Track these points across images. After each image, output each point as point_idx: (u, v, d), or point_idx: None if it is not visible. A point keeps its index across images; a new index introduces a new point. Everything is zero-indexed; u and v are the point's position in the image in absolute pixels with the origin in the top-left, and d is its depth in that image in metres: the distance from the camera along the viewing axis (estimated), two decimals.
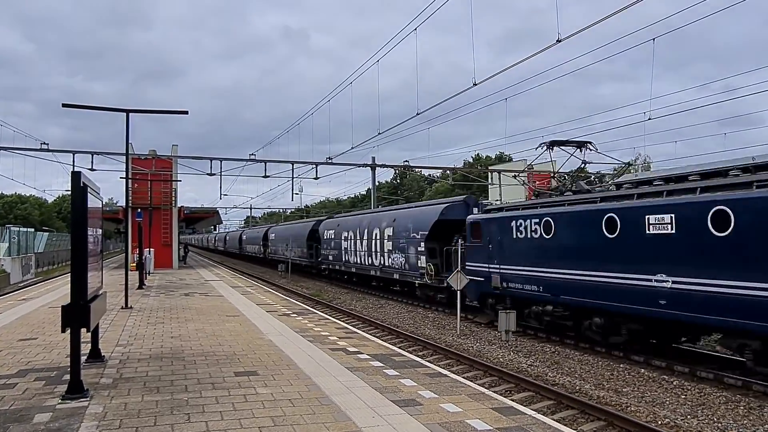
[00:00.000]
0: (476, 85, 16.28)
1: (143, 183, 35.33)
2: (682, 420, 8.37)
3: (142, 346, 10.63)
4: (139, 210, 31.01)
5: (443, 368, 9.86)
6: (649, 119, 23.85)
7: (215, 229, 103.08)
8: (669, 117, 65.26)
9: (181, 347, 10.48)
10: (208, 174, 34.72)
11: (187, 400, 6.96)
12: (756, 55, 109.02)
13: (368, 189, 49.16)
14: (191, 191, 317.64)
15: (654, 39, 18.37)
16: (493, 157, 75.60)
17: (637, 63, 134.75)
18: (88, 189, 7.24)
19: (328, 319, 14.98)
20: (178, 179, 37.78)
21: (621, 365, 11.80)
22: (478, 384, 9.07)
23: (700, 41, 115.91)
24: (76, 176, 7.00)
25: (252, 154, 35.60)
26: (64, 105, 14.50)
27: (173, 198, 38.25)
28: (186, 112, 16.45)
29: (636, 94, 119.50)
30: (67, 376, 7.21)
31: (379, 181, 67.31)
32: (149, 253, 31.19)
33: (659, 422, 8.30)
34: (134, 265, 28.03)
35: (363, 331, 14.31)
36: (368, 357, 9.75)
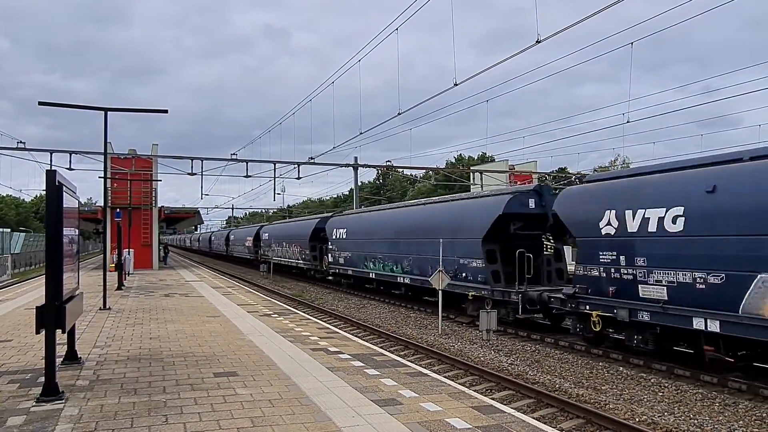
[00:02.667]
0: (457, 85, 16.34)
1: (123, 183, 34.90)
2: (659, 417, 8.48)
3: (120, 347, 10.50)
4: (118, 210, 30.64)
5: (424, 367, 9.88)
6: (627, 121, 24.11)
7: (196, 230, 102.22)
8: (648, 118, 66.16)
9: (159, 348, 10.36)
10: (189, 174, 34.35)
11: (165, 401, 6.89)
12: (734, 57, 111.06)
13: (351, 189, 49.11)
14: (172, 191, 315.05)
15: (632, 43, 18.57)
16: (476, 157, 76.02)
17: (618, 64, 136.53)
18: (64, 188, 7.13)
19: (309, 319, 14.93)
20: (159, 179, 37.40)
21: (600, 363, 11.92)
22: (458, 383, 9.11)
23: (680, 43, 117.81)
24: (50, 175, 6.89)
25: (233, 154, 35.34)
26: (40, 103, 14.25)
27: (153, 198, 37.83)
28: (166, 111, 16.27)
29: (617, 95, 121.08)
30: (42, 379, 7.09)
31: (361, 182, 67.26)
32: (128, 254, 30.82)
33: (637, 419, 8.40)
34: (113, 265, 27.69)
35: (344, 331, 14.28)
36: (349, 357, 9.74)
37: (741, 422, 8.26)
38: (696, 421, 8.29)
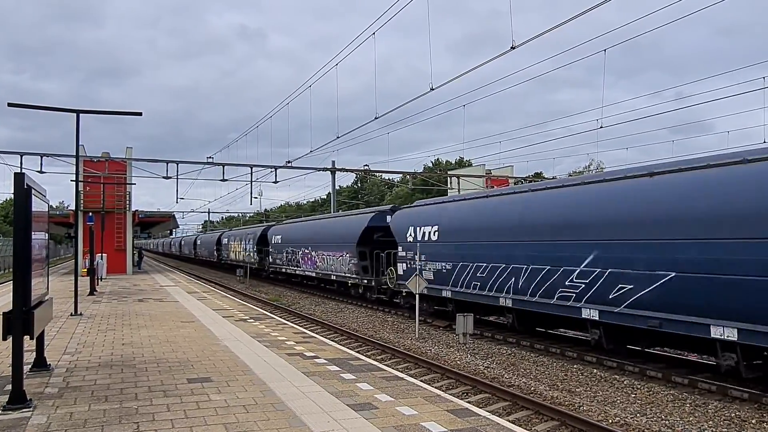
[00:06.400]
0: (433, 89, 16.40)
1: (96, 186, 34.33)
2: (631, 418, 8.59)
3: (91, 353, 10.30)
4: (90, 214, 30.11)
5: (401, 371, 9.88)
6: (601, 127, 24.47)
7: (171, 234, 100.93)
8: (622, 124, 67.31)
9: (132, 354, 10.20)
10: (164, 177, 33.88)
11: (136, 408, 6.77)
12: (706, 65, 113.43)
13: (328, 193, 49.03)
14: (146, 195, 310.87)
15: (605, 50, 18.86)
16: (453, 161, 76.44)
17: (593, 70, 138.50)
18: (33, 191, 6.99)
19: (285, 323, 14.83)
20: (133, 182, 36.84)
21: (575, 366, 12.04)
22: (434, 387, 9.12)
23: (653, 50, 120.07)
24: (19, 178, 6.75)
25: (210, 157, 34.95)
26: (10, 104, 13.98)
27: (127, 202, 37.26)
28: (140, 114, 16.07)
29: (592, 101, 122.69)
30: (9, 386, 6.91)
31: (339, 186, 67.19)
32: (101, 259, 30.29)
33: (610, 421, 8.50)
34: (85, 270, 27.21)
35: (321, 335, 14.23)
36: (325, 361, 9.69)
37: (711, 422, 8.41)
38: (667, 422, 8.41)
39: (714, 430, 8.11)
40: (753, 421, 8.39)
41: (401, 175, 46.51)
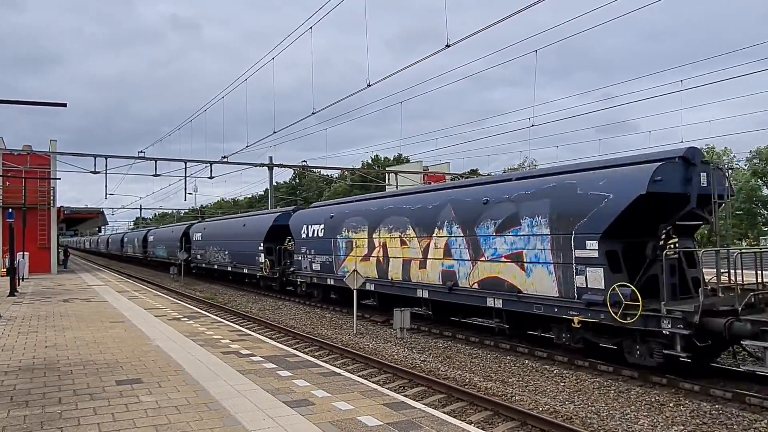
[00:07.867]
0: (370, 86, 16.44)
1: (16, 181, 32.45)
2: (560, 406, 8.94)
3: (10, 357, 9.77)
4: (10, 210, 28.43)
5: (338, 367, 9.89)
6: (532, 125, 25.21)
7: (100, 231, 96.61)
8: (552, 122, 69.71)
9: (56, 357, 9.74)
10: (91, 172, 32.35)
11: (60, 413, 6.48)
12: (632, 67, 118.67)
13: (266, 189, 48.29)
14: (73, 190, 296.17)
15: (536, 50, 19.47)
16: (391, 158, 76.86)
17: (528, 69, 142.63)
18: None
19: (221, 322, 14.54)
20: (57, 177, 35.03)
21: (507, 357, 12.40)
22: (371, 381, 9.18)
23: (582, 51, 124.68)
24: None
25: (141, 152, 33.68)
26: None
27: (51, 197, 35.42)
28: (65, 105, 15.25)
29: (526, 99, 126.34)
30: None
31: (276, 182, 66.28)
32: (23, 257, 28.71)
33: (540, 409, 8.81)
34: (5, 270, 25.75)
35: (257, 333, 14.03)
36: (261, 359, 9.58)
37: (633, 407, 8.87)
38: (593, 408, 8.81)
39: (636, 414, 8.56)
40: (671, 405, 8.91)
41: (340, 171, 46.33)
